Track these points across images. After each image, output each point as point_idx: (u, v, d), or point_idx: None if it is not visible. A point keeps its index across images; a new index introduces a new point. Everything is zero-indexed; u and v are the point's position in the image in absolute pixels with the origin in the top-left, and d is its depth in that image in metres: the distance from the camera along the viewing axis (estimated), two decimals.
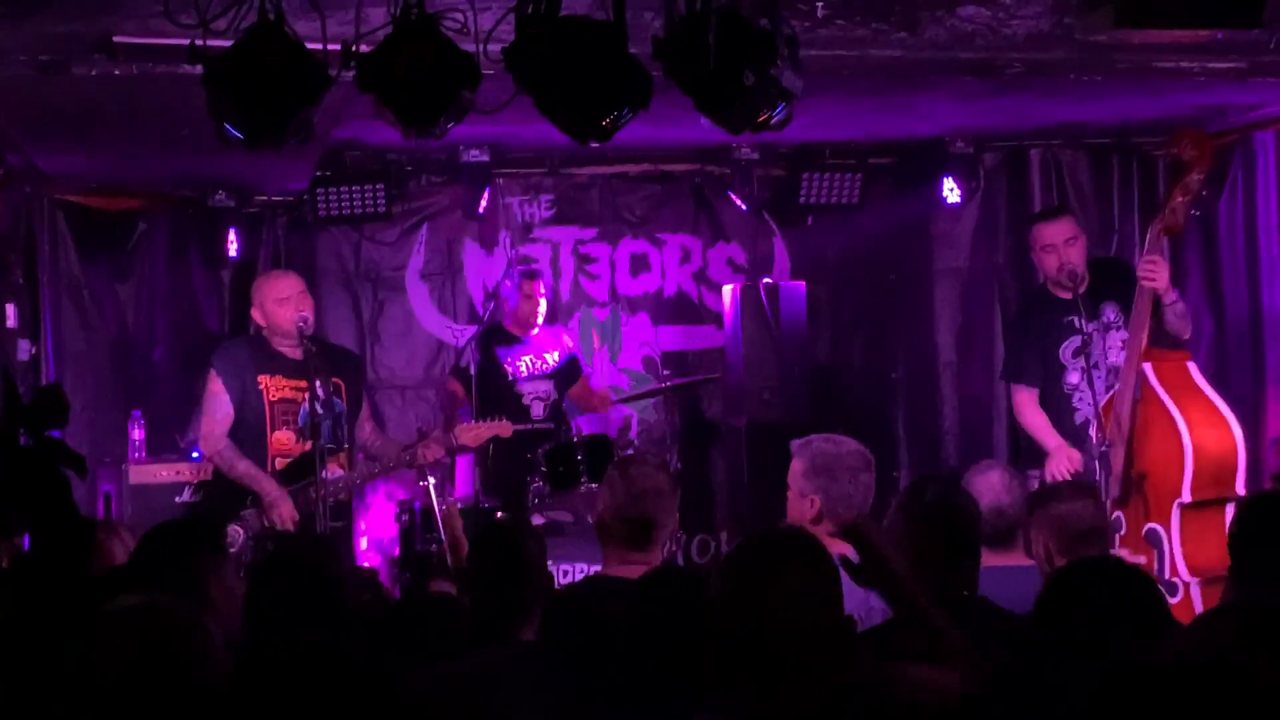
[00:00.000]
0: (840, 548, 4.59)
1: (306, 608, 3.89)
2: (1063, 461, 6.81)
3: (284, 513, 6.87)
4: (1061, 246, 6.97)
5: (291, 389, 7.05)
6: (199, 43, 4.47)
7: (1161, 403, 6.35)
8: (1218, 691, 1.80)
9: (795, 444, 4.99)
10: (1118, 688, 1.83)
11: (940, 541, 4.25)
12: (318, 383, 6.73)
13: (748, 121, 4.58)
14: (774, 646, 2.85)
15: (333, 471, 6.92)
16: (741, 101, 4.51)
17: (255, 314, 7.19)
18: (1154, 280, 6.41)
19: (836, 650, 2.88)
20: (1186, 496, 6.17)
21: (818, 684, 2.85)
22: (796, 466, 4.88)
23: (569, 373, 8.92)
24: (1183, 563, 6.14)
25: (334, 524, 6.84)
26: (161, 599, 2.85)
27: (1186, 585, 6.06)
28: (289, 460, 7.02)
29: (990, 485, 5.19)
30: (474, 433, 7.56)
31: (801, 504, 4.81)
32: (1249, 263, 8.37)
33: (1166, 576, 6.15)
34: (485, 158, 8.83)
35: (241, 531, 6.89)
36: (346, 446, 7.17)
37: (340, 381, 7.12)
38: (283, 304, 7.04)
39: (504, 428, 7.68)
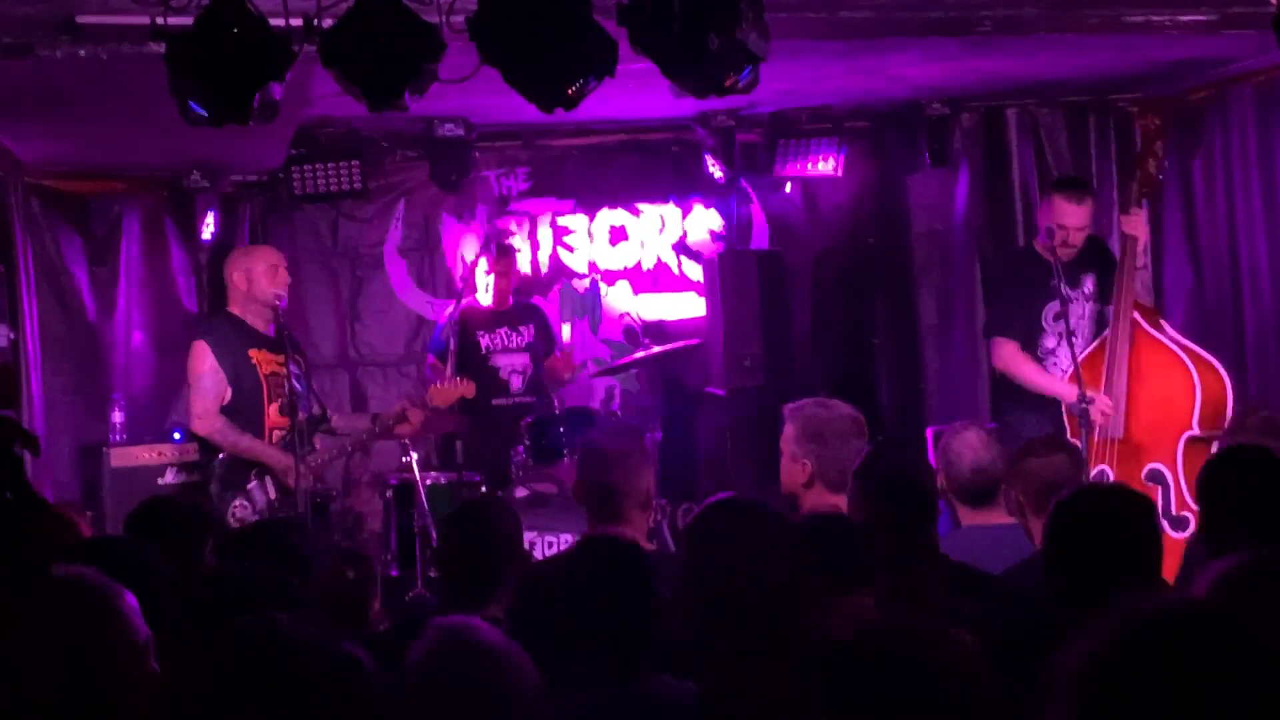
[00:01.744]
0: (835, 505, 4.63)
1: (270, 587, 3.87)
2: (1100, 401, 6.72)
3: (299, 477, 6.82)
4: (1072, 230, 6.99)
5: (276, 363, 7.04)
6: (160, 21, 4.45)
7: (1162, 344, 6.47)
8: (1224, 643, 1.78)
9: (788, 408, 5.02)
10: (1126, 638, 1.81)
11: (897, 507, 4.28)
12: (295, 357, 6.74)
13: (714, 86, 4.57)
14: (735, 608, 2.85)
15: (317, 440, 6.95)
16: (707, 66, 4.49)
17: (238, 278, 7.11)
18: (1136, 230, 6.49)
19: (796, 608, 2.88)
20: (1196, 429, 6.28)
21: (780, 644, 2.85)
22: (789, 431, 4.90)
23: (544, 342, 8.92)
24: (1189, 495, 6.20)
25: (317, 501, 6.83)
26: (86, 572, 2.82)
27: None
28: (285, 431, 7.00)
29: (969, 444, 5.21)
30: (443, 394, 7.52)
31: (794, 468, 4.83)
32: (1228, 219, 8.37)
33: (1174, 511, 6.23)
34: (460, 132, 8.79)
35: (248, 505, 6.89)
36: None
37: (301, 359, 7.14)
38: (271, 272, 7.07)
39: (468, 388, 7.66)
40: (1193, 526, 6.01)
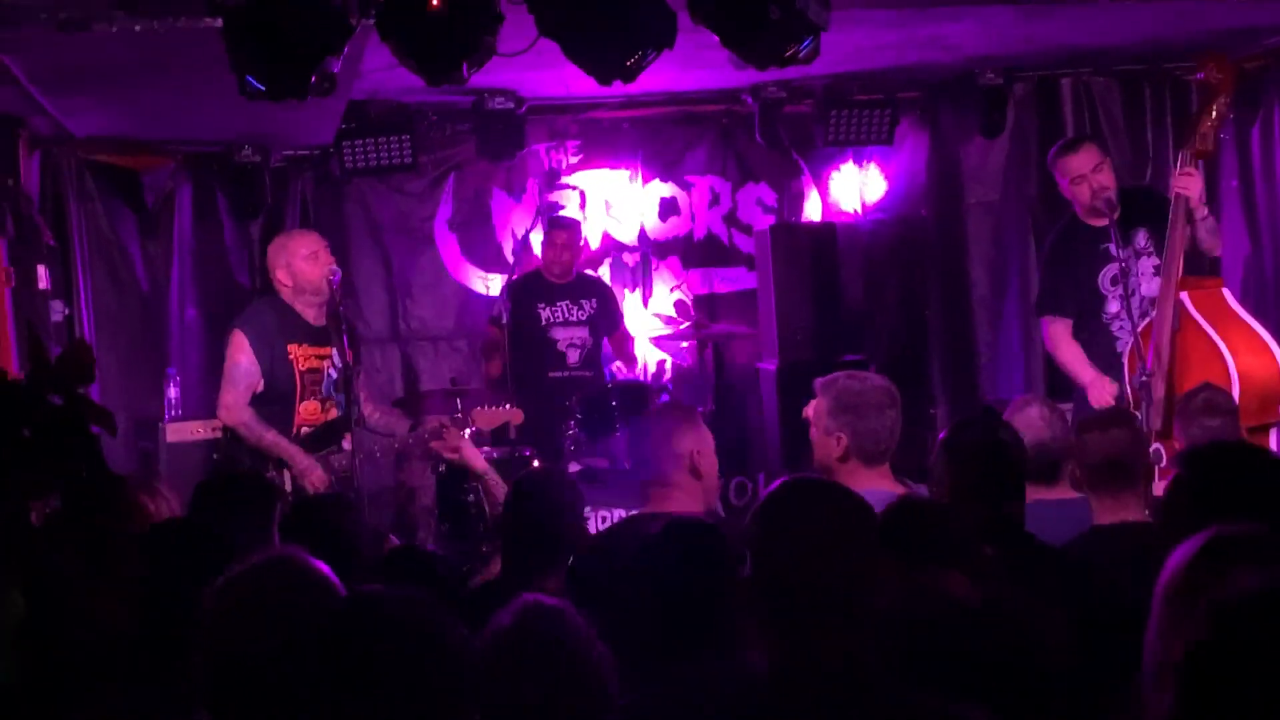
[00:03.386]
0: (873, 483, 4.59)
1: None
2: (1105, 391, 6.72)
3: (315, 480, 6.76)
4: (1091, 175, 6.90)
5: (316, 357, 6.92)
6: None
7: (1203, 330, 6.29)
8: None
9: (819, 382, 4.95)
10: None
11: (985, 479, 4.23)
12: (345, 340, 6.66)
13: (774, 57, 4.54)
14: (808, 591, 2.82)
15: (346, 441, 6.82)
16: (767, 36, 4.46)
17: (281, 274, 6.91)
18: (1187, 190, 6.36)
19: (869, 588, 2.85)
20: None
21: (854, 623, 2.82)
22: (821, 405, 4.83)
23: (605, 319, 8.89)
24: None
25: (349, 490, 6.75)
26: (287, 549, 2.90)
27: None
28: (313, 429, 6.92)
29: (1030, 421, 5.15)
30: (488, 416, 7.40)
31: (828, 442, 4.77)
32: None
33: None
34: (510, 105, 8.77)
35: None
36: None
37: (349, 352, 7.02)
38: (312, 259, 6.89)
39: (516, 414, 7.56)
40: None
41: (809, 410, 4.89)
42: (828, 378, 4.94)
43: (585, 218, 9.52)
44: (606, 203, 9.62)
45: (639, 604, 3.44)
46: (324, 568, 2.89)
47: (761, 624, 3.01)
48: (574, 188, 9.58)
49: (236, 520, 4.29)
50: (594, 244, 9.59)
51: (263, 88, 4.45)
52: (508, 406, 7.48)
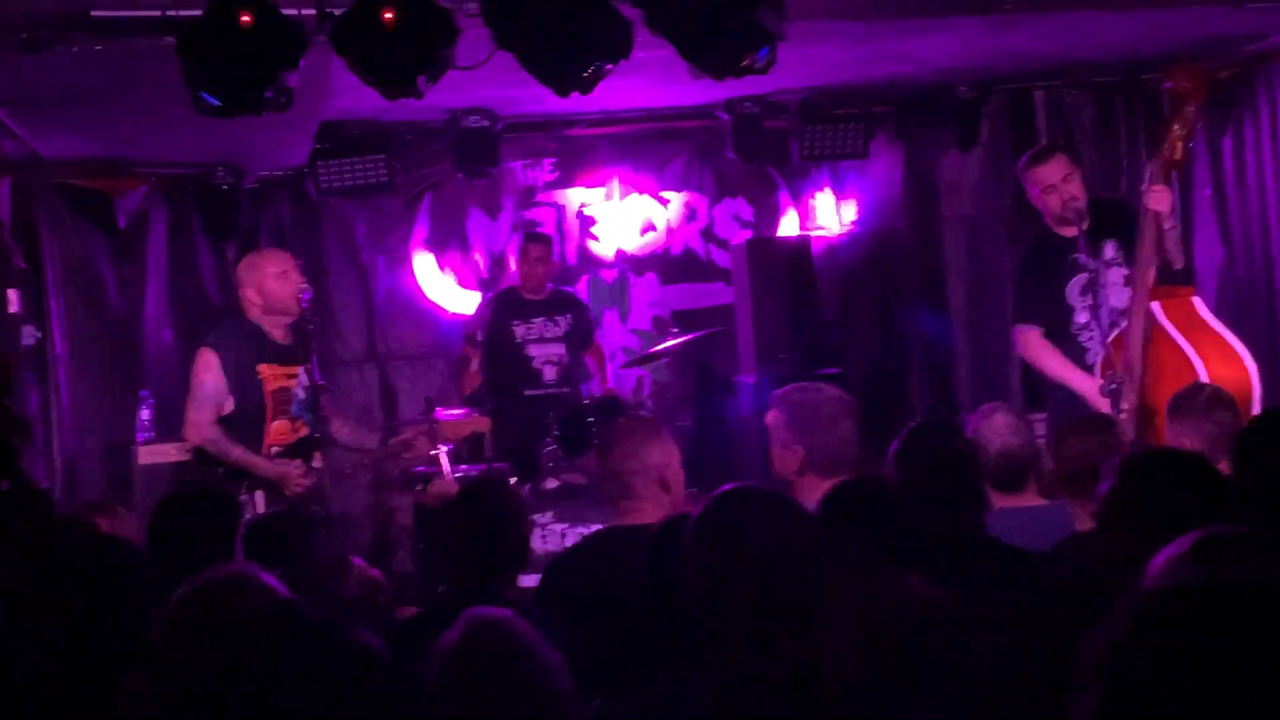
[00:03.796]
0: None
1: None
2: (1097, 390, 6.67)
3: (293, 480, 6.70)
4: (1061, 184, 6.88)
5: (285, 377, 6.87)
6: (171, 13, 4.44)
7: (1173, 341, 6.28)
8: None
9: (774, 395, 4.94)
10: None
11: (942, 487, 4.22)
12: (314, 359, 6.64)
13: (730, 67, 4.53)
14: (749, 604, 2.80)
15: (315, 459, 6.79)
16: (724, 45, 4.45)
17: (250, 293, 6.85)
18: (1158, 205, 6.34)
19: (816, 598, 2.82)
20: None
21: (803, 635, 2.80)
22: (778, 418, 4.81)
23: (580, 334, 8.88)
24: None
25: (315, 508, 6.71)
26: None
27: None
28: (283, 448, 6.88)
29: (997, 429, 5.13)
30: (457, 426, 7.41)
31: (786, 455, 4.74)
32: (1259, 196, 8.27)
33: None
34: (485, 123, 8.77)
35: None
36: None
37: (313, 370, 6.99)
38: (282, 278, 6.84)
39: (483, 423, 7.58)
40: None
41: (769, 420, 4.88)
42: (783, 390, 4.92)
43: (563, 235, 9.51)
44: (583, 219, 9.61)
45: (615, 613, 3.43)
46: (275, 584, 2.87)
47: (706, 639, 2.98)
48: (551, 205, 9.58)
49: (198, 536, 4.27)
50: (571, 261, 9.58)
51: (217, 104, 4.44)
52: (475, 415, 7.50)
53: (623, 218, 9.66)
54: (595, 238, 9.64)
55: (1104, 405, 6.56)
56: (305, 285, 6.86)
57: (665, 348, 8.90)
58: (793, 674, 2.87)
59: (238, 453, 6.69)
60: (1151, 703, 1.72)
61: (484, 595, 3.87)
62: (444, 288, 9.46)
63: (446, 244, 9.45)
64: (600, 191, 9.64)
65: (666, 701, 3.14)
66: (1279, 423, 4.14)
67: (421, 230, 9.42)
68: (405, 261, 9.42)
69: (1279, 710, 1.64)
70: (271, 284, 6.83)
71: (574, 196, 9.61)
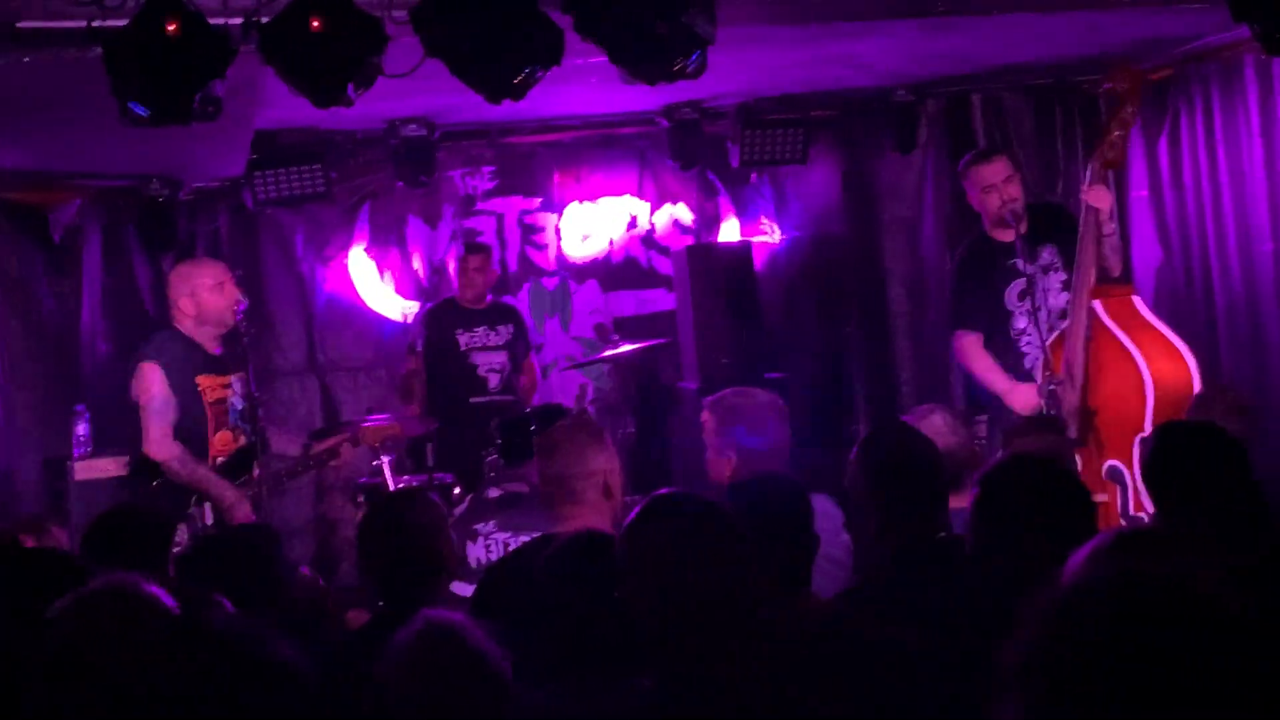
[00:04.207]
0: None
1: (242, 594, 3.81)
2: (1028, 395, 6.71)
3: (244, 514, 6.66)
4: (1001, 185, 6.93)
5: (221, 387, 6.85)
6: (98, 23, 4.39)
7: (1115, 338, 6.31)
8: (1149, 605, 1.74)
9: (706, 401, 4.95)
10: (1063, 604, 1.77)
11: (904, 489, 4.23)
12: (250, 368, 6.59)
13: (662, 72, 4.52)
14: (682, 607, 2.79)
15: (255, 469, 6.75)
16: (655, 51, 4.44)
17: (184, 303, 6.81)
18: (1099, 203, 6.38)
19: (746, 604, 2.82)
20: (1149, 430, 6.12)
21: (733, 638, 2.79)
22: (710, 423, 4.83)
23: (523, 345, 8.88)
24: (1146, 496, 6.09)
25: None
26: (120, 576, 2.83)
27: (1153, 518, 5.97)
28: (227, 459, 6.83)
29: (935, 430, 5.14)
30: (375, 433, 7.38)
31: (720, 461, 4.75)
32: (1195, 196, 8.33)
33: (1132, 511, 6.10)
34: (423, 132, 8.73)
35: (187, 530, 6.71)
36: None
37: (247, 377, 6.95)
38: (218, 290, 6.79)
39: (396, 426, 7.57)
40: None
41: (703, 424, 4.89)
42: (714, 396, 4.93)
43: (503, 243, 9.48)
44: (523, 228, 9.59)
45: (545, 619, 3.40)
46: (160, 593, 2.82)
47: (643, 644, 2.97)
48: (490, 213, 9.54)
49: (130, 553, 4.23)
50: (512, 270, 9.55)
51: (145, 113, 4.39)
52: (387, 421, 7.48)
53: (563, 225, 9.62)
54: (536, 245, 9.61)
55: (1029, 404, 6.61)
56: (241, 297, 6.81)
57: (614, 354, 8.89)
58: (725, 677, 2.87)
59: (201, 471, 6.65)
60: (1076, 699, 1.71)
61: (412, 605, 3.84)
62: (384, 297, 9.40)
63: (386, 252, 9.40)
64: (540, 199, 9.60)
65: (612, 702, 3.13)
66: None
67: (360, 239, 9.37)
68: (345, 271, 9.35)
69: (1198, 700, 1.64)
70: (207, 295, 6.78)
71: (514, 204, 9.57)
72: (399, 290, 9.40)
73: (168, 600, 2.75)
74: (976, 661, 3.23)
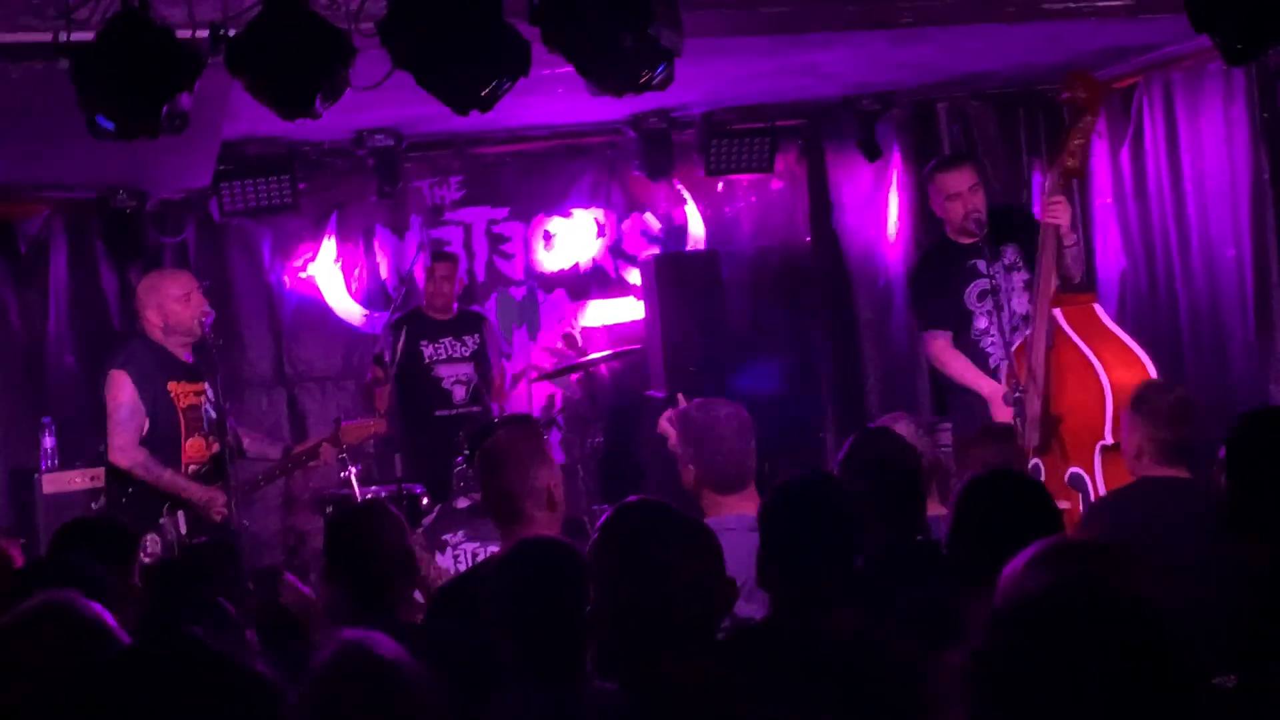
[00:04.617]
0: (733, 508, 4.58)
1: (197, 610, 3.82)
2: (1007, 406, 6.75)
3: (219, 507, 6.68)
4: (966, 194, 6.98)
5: (194, 394, 6.86)
6: (64, 37, 4.39)
7: (1075, 346, 6.35)
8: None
9: (670, 413, 4.97)
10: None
11: (889, 492, 4.31)
12: (219, 379, 6.60)
13: (629, 83, 4.53)
14: (649, 615, 2.81)
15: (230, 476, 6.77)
16: (621, 63, 4.46)
17: (151, 314, 6.83)
18: (1057, 218, 6.41)
19: (712, 611, 2.85)
20: (1108, 438, 6.15)
21: (700, 646, 2.82)
22: (673, 435, 4.86)
23: (488, 353, 8.88)
24: None
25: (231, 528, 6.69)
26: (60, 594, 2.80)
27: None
28: (200, 466, 6.85)
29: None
30: (354, 431, 7.42)
31: (685, 472, 4.77)
32: (1158, 203, 8.38)
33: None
34: (390, 142, 8.74)
35: (159, 540, 6.72)
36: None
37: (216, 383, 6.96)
38: (184, 301, 6.82)
39: (380, 425, 7.62)
40: None
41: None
42: (679, 408, 4.95)
43: (471, 253, 9.49)
44: (491, 238, 9.60)
45: (498, 626, 3.41)
46: (102, 612, 2.80)
47: (611, 652, 2.99)
48: (458, 223, 9.55)
49: (94, 565, 4.22)
50: (480, 280, 9.56)
51: (111, 126, 4.40)
52: (372, 421, 7.52)
53: (530, 234, 9.64)
54: (504, 255, 9.63)
55: (1007, 413, 6.64)
56: (208, 309, 6.83)
57: (586, 361, 8.91)
58: (693, 687, 2.89)
59: (167, 475, 6.68)
60: (1017, 706, 1.75)
61: (372, 616, 3.85)
62: (351, 307, 9.40)
63: (353, 263, 9.40)
64: (507, 209, 9.61)
65: (567, 710, 3.15)
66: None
67: (328, 249, 9.36)
68: (312, 281, 9.35)
69: (1133, 706, 1.68)
70: (173, 306, 6.80)
71: (481, 214, 9.58)
72: (366, 301, 9.40)
73: (109, 620, 2.73)
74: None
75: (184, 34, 4.51)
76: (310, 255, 9.32)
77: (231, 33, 4.49)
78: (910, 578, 4.06)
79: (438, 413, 8.66)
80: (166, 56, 4.33)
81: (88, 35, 4.45)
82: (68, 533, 4.64)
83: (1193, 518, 4.61)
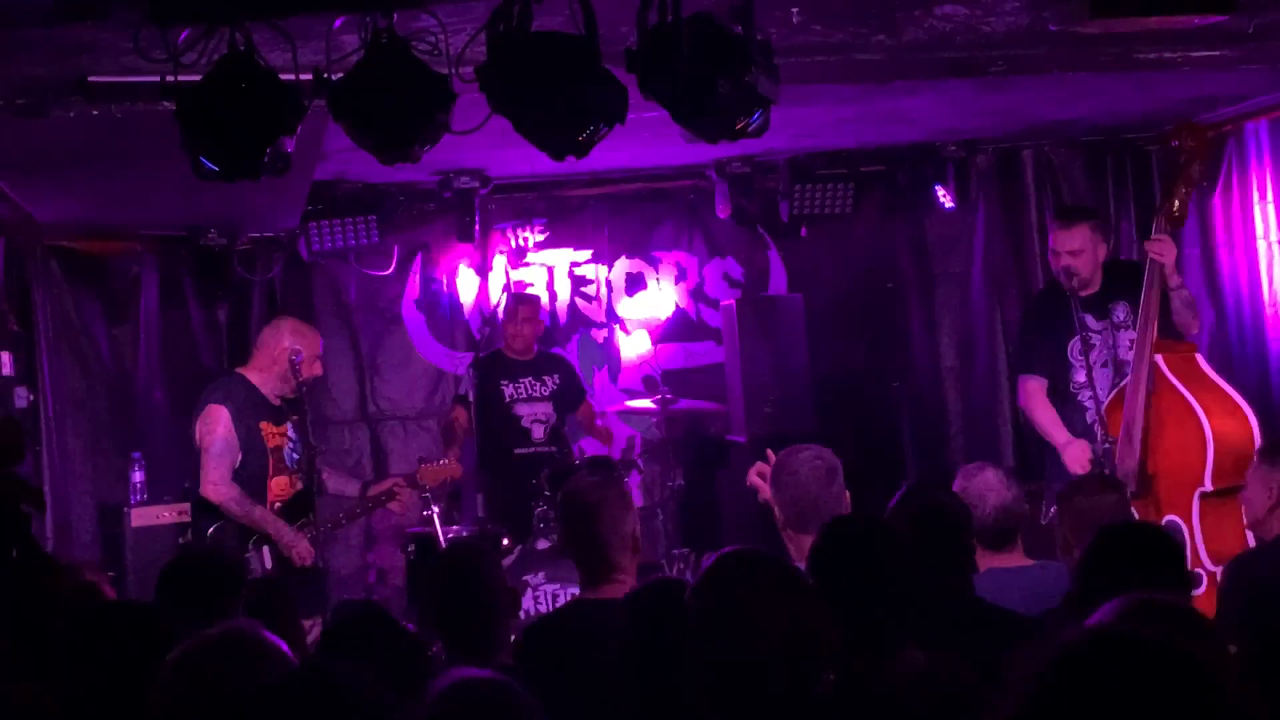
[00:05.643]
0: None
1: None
2: (1082, 454, 6.70)
3: (302, 551, 6.84)
4: (1065, 255, 6.91)
5: (279, 435, 7.04)
6: (170, 79, 4.46)
7: (1178, 393, 6.33)
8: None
9: (759, 466, 5.00)
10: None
11: (934, 547, 4.25)
12: (307, 419, 6.75)
13: (724, 130, 4.54)
14: (749, 666, 2.80)
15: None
16: (717, 110, 4.47)
17: (277, 355, 7.10)
18: (1163, 256, 6.39)
19: (813, 661, 2.83)
20: (1209, 485, 6.13)
21: (799, 699, 2.80)
22: (764, 489, 4.88)
23: (569, 395, 8.91)
24: (1205, 552, 6.09)
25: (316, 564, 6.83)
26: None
27: (1211, 574, 5.97)
28: (284, 503, 6.97)
29: (990, 485, 5.14)
30: (433, 473, 7.52)
31: (775, 512, 4.80)
32: (1246, 254, 8.32)
33: (1189, 567, 6.09)
34: (476, 184, 8.82)
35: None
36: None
37: (301, 422, 7.16)
38: (314, 361, 7.12)
39: (456, 469, 7.70)
40: (1206, 585, 5.90)
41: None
42: (769, 464, 4.95)
43: (554, 295, 9.54)
44: (574, 280, 9.64)
45: (603, 675, 3.41)
46: (277, 640, 2.88)
47: (708, 702, 2.98)
48: (541, 265, 9.60)
49: (203, 602, 4.26)
50: (562, 321, 9.61)
51: (216, 168, 4.47)
52: (444, 462, 7.59)
53: (613, 277, 9.68)
54: (586, 298, 9.67)
55: (1081, 464, 6.59)
56: (298, 347, 7.00)
57: (665, 410, 8.91)
58: None
59: (258, 512, 6.85)
60: None
61: (472, 654, 3.87)
62: (435, 348, 9.48)
63: (437, 304, 9.47)
64: (590, 251, 9.65)
65: None
66: None
67: (412, 290, 9.45)
68: (397, 322, 9.44)
69: None
70: (306, 359, 7.01)
71: (564, 256, 9.63)
72: (450, 342, 9.47)
73: (286, 649, 2.79)
74: None
75: (287, 77, 4.57)
76: (395, 295, 9.40)
77: (333, 76, 4.54)
78: (952, 638, 4.00)
79: (517, 451, 8.70)
80: (271, 100, 4.40)
81: (194, 77, 4.51)
82: (174, 572, 4.64)
83: None
